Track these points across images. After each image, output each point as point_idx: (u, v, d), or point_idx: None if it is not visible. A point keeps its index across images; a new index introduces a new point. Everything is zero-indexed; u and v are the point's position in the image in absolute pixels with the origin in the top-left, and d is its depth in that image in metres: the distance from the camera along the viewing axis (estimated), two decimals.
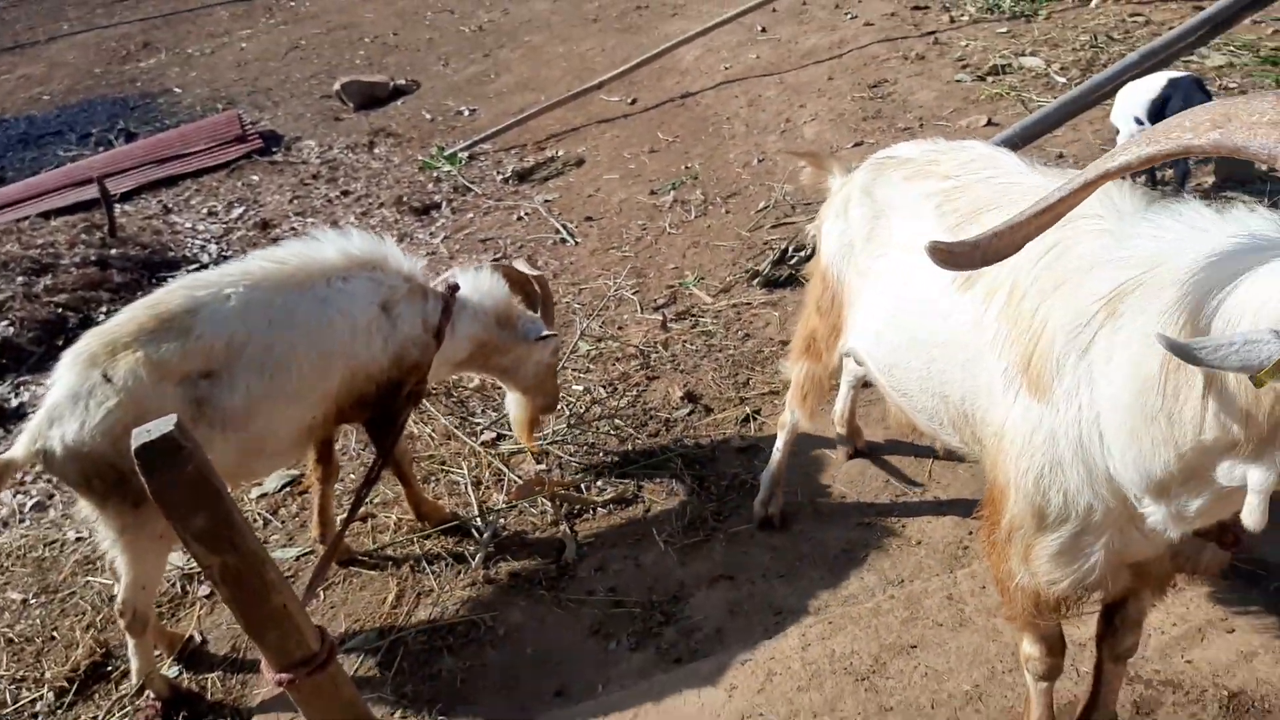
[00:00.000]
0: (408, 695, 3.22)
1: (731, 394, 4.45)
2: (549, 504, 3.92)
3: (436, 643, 3.39)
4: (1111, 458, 1.86)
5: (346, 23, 12.96)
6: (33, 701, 3.36)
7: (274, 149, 8.75)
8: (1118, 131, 5.23)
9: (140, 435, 1.91)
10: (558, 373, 4.17)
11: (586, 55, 9.94)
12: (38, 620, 3.72)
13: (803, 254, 5.21)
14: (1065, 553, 2.07)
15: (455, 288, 3.47)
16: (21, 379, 5.40)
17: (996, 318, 2.13)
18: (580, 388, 4.66)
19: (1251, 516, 1.63)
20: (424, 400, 4.55)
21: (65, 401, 2.77)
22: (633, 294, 5.48)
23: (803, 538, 3.59)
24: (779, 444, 3.61)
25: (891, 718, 2.83)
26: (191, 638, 3.54)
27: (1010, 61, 7.36)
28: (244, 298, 2.96)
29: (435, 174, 7.71)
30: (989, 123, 6.38)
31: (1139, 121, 5.03)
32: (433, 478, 4.19)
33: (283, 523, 4.11)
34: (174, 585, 3.81)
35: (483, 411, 4.59)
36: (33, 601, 3.82)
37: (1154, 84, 4.99)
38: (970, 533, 3.43)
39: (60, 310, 5.76)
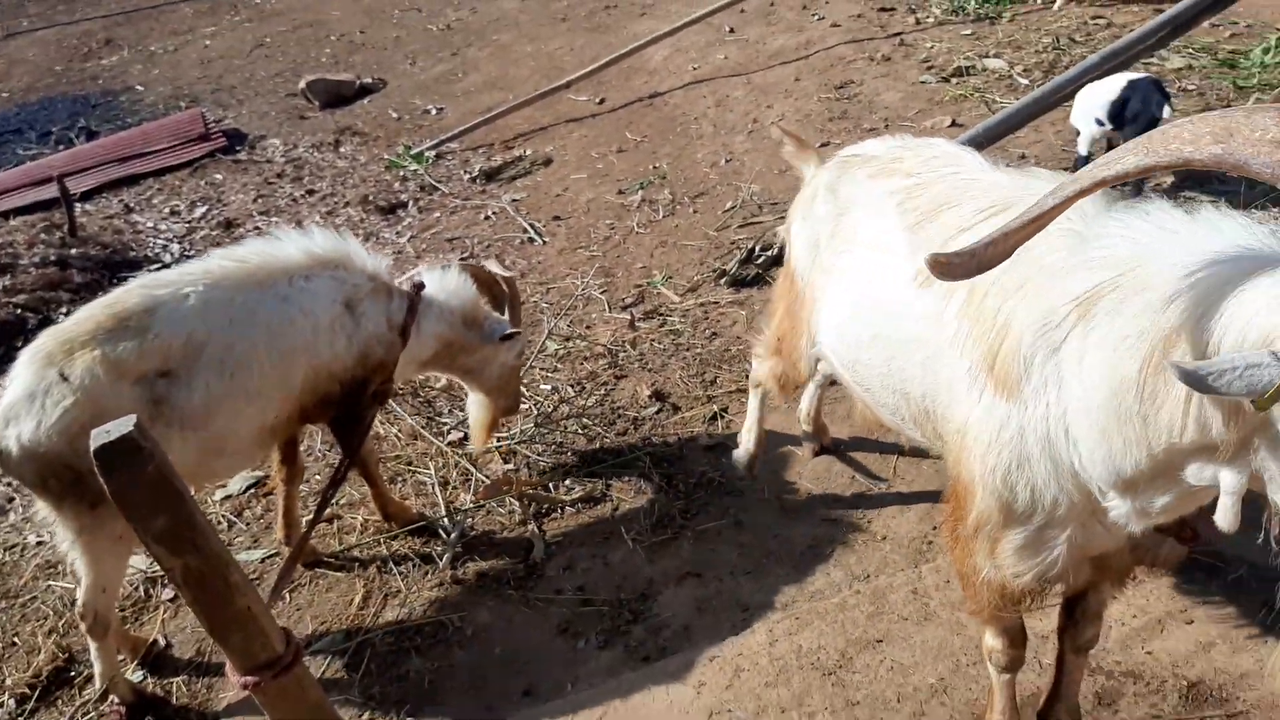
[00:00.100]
0: (375, 697, 3.20)
1: (699, 392, 4.47)
2: (517, 504, 3.91)
3: (404, 644, 3.38)
4: (1077, 454, 1.88)
5: (312, 20, 12.84)
6: None
7: (238, 147, 8.65)
8: (1078, 133, 5.31)
9: (99, 436, 1.88)
10: (521, 375, 4.15)
11: (555, 54, 9.92)
12: None
13: (770, 253, 5.24)
14: (1029, 546, 2.10)
15: (421, 286, 3.45)
16: None
17: (957, 315, 2.14)
18: (548, 387, 4.66)
19: (1225, 518, 1.65)
20: (390, 400, 4.52)
21: (21, 401, 2.72)
22: (600, 293, 5.48)
23: (769, 534, 3.61)
24: (752, 404, 3.72)
25: (858, 712, 2.85)
26: (156, 641, 3.50)
27: (974, 63, 7.45)
28: (204, 296, 2.92)
29: (402, 173, 7.66)
30: (953, 123, 6.45)
31: (1099, 122, 5.11)
32: (399, 478, 4.17)
33: (247, 525, 4.06)
34: (137, 589, 3.76)
35: (450, 411, 4.57)
36: None
37: (1114, 85, 5.06)
38: (934, 527, 3.47)
39: (19, 311, 5.65)
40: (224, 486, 4.24)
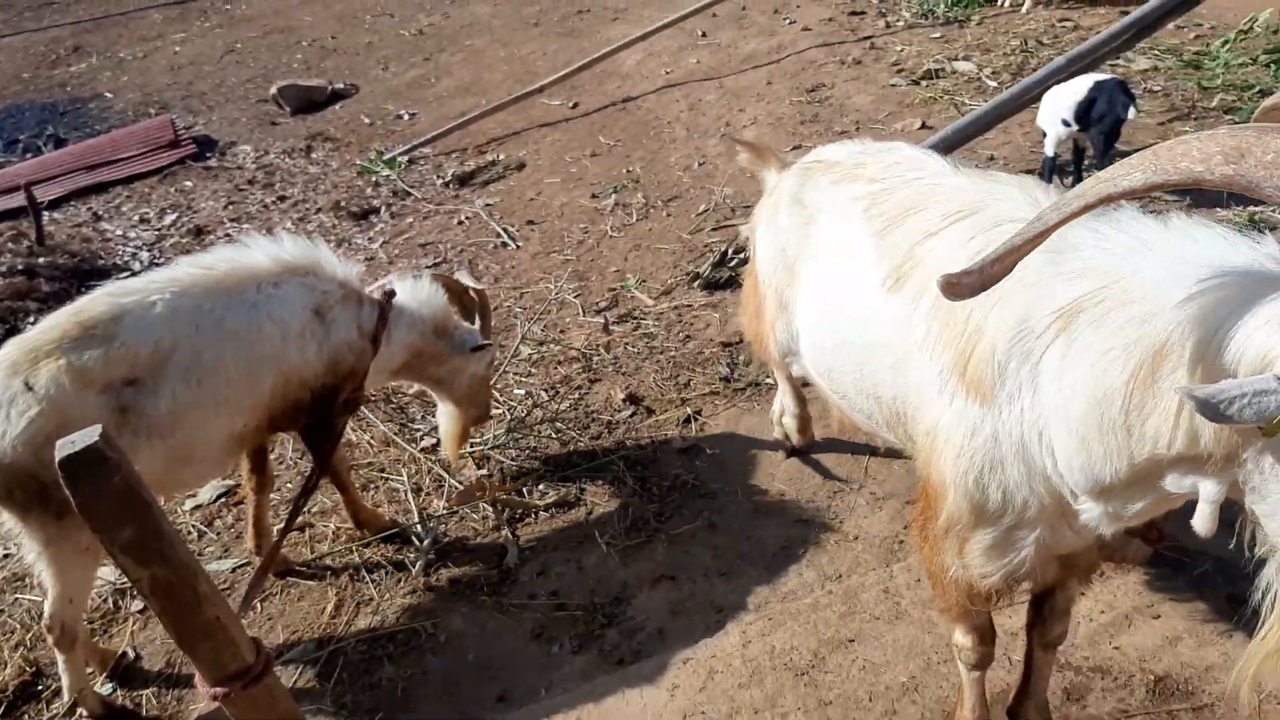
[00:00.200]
0: (347, 705, 3.18)
1: (673, 395, 4.47)
2: (490, 509, 3.90)
3: (376, 651, 3.36)
4: (1049, 459, 1.90)
5: (284, 26, 12.78)
6: None
7: (208, 154, 8.59)
8: (1045, 134, 5.36)
9: (64, 446, 1.86)
10: (492, 384, 4.14)
11: (528, 59, 9.92)
12: None
13: (742, 255, 5.26)
14: (998, 546, 2.11)
15: (392, 294, 3.44)
16: None
17: (925, 319, 2.15)
18: (522, 391, 4.65)
19: (1204, 525, 1.66)
20: (362, 407, 4.51)
21: None
22: (574, 297, 5.48)
23: (743, 536, 3.62)
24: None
25: (831, 711, 2.87)
26: (125, 654, 3.46)
27: (944, 66, 7.52)
28: (171, 304, 2.90)
29: (374, 178, 7.63)
30: (923, 126, 6.50)
31: (1066, 124, 5.17)
32: (372, 485, 4.15)
33: (218, 534, 4.03)
34: (105, 600, 3.72)
35: (422, 418, 4.55)
36: None
37: (1080, 87, 5.13)
38: (905, 527, 3.49)
39: None
40: (194, 496, 4.21)
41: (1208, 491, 1.65)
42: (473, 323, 3.84)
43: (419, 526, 3.84)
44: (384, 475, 4.20)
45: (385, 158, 7.87)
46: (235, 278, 3.05)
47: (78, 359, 2.75)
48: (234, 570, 3.80)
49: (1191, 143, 1.43)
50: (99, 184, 8.08)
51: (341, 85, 10.00)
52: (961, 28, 8.41)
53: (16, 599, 3.76)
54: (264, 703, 2.31)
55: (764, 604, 3.31)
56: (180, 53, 12.25)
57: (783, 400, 3.83)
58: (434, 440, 4.36)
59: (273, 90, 9.70)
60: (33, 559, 2.90)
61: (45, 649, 3.42)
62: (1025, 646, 2.63)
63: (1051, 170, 5.39)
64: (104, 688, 3.33)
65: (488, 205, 6.95)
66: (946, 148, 5.39)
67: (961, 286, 1.62)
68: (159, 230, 7.16)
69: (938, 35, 8.27)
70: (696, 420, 4.29)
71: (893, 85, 7.39)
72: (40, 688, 3.37)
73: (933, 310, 2.14)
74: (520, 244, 6.29)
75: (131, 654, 3.47)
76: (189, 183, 8.01)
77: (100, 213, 7.58)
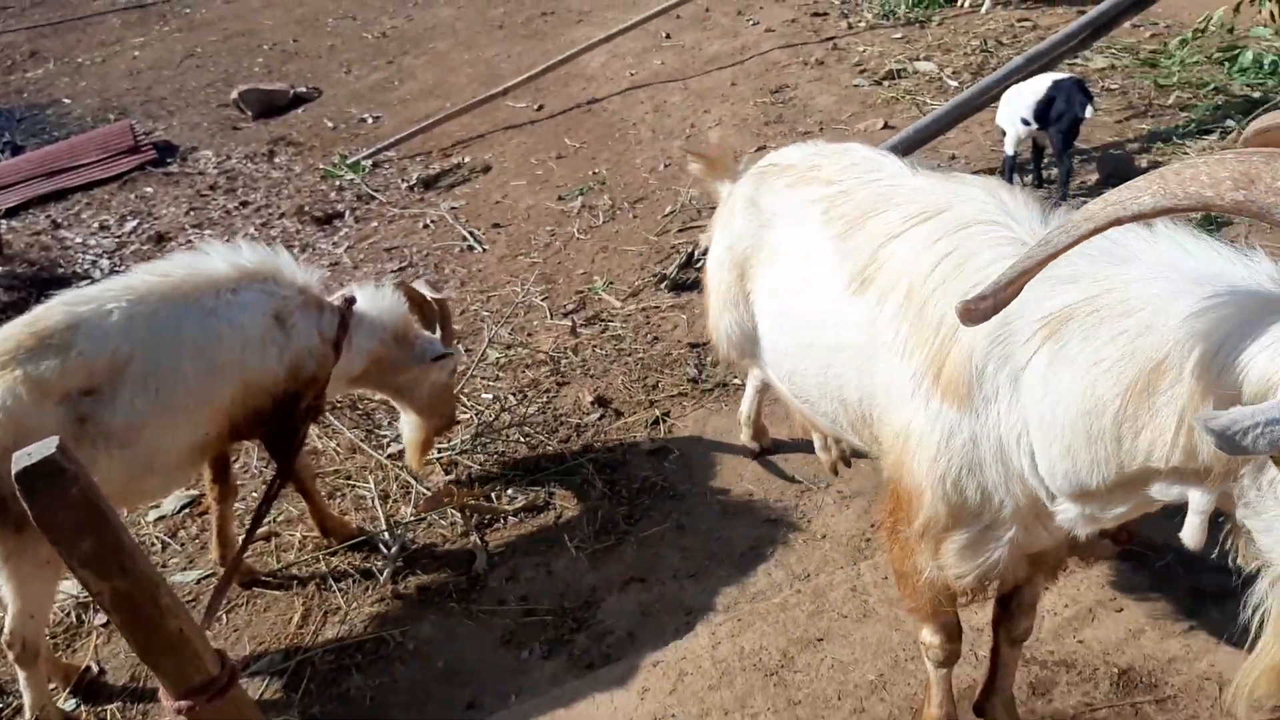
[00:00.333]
0: (315, 716, 3.15)
1: (641, 397, 4.47)
2: (458, 515, 3.88)
3: (344, 661, 3.33)
4: (1026, 461, 1.90)
5: (244, 30, 12.64)
6: None
7: (169, 160, 8.47)
8: (1004, 133, 5.42)
9: (20, 459, 1.83)
10: (455, 393, 4.11)
11: (492, 61, 9.88)
12: None
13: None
14: (972, 547, 2.11)
15: (352, 300, 3.42)
16: None
17: (893, 321, 2.14)
18: (490, 396, 4.63)
19: (1194, 537, 1.66)
20: (328, 414, 4.47)
21: None
22: (542, 300, 5.47)
23: (711, 537, 3.62)
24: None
25: (800, 711, 2.88)
26: (88, 668, 3.40)
27: (905, 66, 7.57)
28: (127, 312, 2.86)
29: (338, 182, 7.57)
30: (885, 125, 6.55)
31: (1025, 122, 5.23)
32: (338, 493, 4.11)
33: (182, 545, 3.98)
34: (68, 614, 3.66)
35: (389, 424, 4.52)
36: None
37: (1039, 86, 5.19)
38: (872, 525, 3.51)
39: None
40: (157, 507, 4.15)
41: (1197, 502, 1.65)
42: (434, 331, 3.82)
43: (386, 534, 3.81)
44: (350, 482, 4.16)
45: (349, 161, 7.80)
46: (193, 284, 3.02)
47: (34, 370, 2.70)
48: (199, 582, 3.75)
49: (1200, 167, 1.42)
50: (58, 191, 7.94)
51: (304, 89, 9.91)
52: (922, 28, 8.47)
53: None
54: (229, 716, 2.28)
55: (733, 604, 3.31)
56: (139, 57, 12.08)
57: (744, 403, 3.86)
58: (401, 447, 4.33)
59: (234, 94, 9.59)
60: None
61: (6, 665, 3.35)
62: (991, 642, 2.65)
63: (1012, 169, 5.45)
64: (67, 704, 3.27)
65: (453, 208, 6.91)
66: (909, 147, 5.44)
67: (977, 312, 1.59)
68: (119, 238, 7.06)
69: (899, 36, 8.33)
70: (665, 422, 4.29)
71: (855, 86, 7.44)
72: (1, 705, 3.31)
73: (901, 312, 2.13)
74: (486, 247, 6.26)
75: (95, 669, 3.42)
76: (149, 189, 7.90)
77: (59, 220, 7.45)
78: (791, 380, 2.66)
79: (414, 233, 6.64)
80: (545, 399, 4.58)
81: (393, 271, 6.07)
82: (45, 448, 1.84)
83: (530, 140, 7.90)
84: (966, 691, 2.80)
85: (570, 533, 3.74)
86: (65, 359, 2.75)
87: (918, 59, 7.69)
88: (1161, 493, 1.73)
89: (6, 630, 2.92)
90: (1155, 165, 5.57)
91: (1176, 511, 1.73)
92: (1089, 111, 4.99)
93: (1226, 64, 6.75)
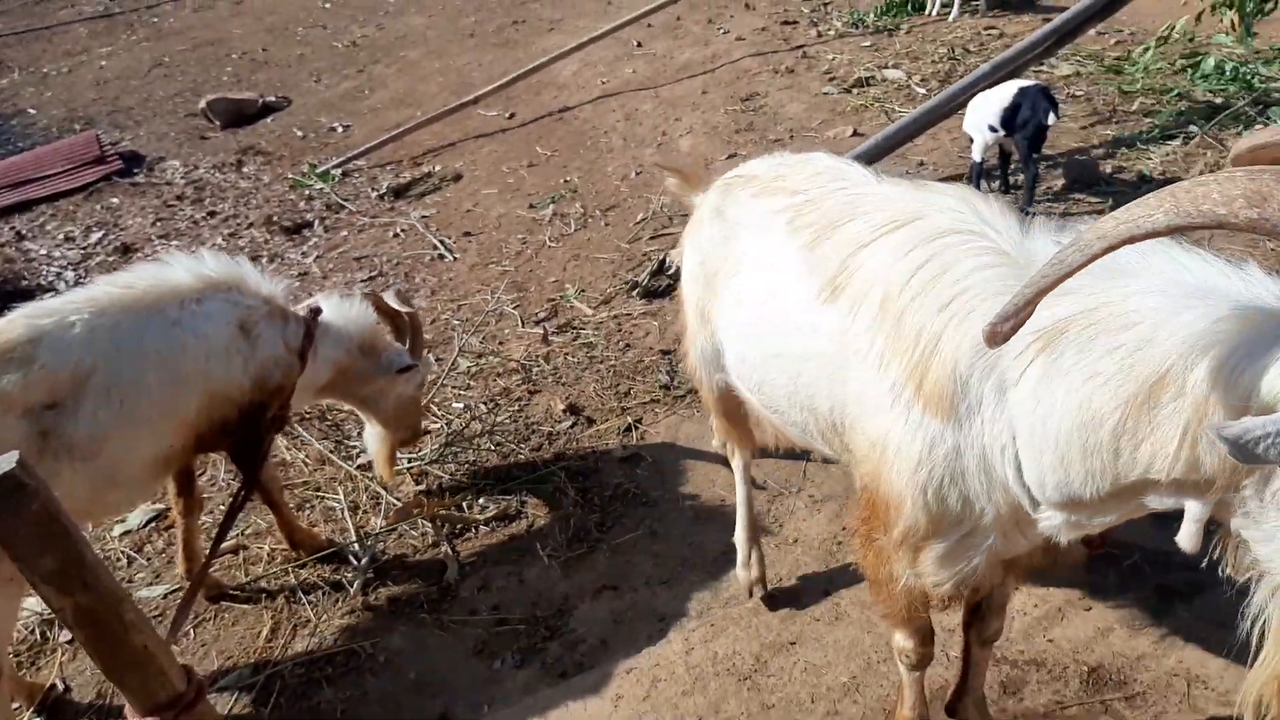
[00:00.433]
0: None
1: (613, 404, 4.47)
2: (429, 525, 3.85)
3: (315, 674, 3.29)
4: (1010, 470, 1.89)
5: (213, 39, 12.55)
6: None
7: (135, 170, 8.39)
8: (971, 140, 5.47)
9: None
10: (422, 405, 4.07)
11: (463, 70, 9.87)
12: None
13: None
14: (950, 555, 2.10)
15: (318, 311, 3.39)
16: None
17: (868, 331, 2.12)
18: (460, 405, 4.61)
19: (1191, 544, 1.66)
20: (296, 425, 4.43)
21: None
22: (513, 308, 5.45)
23: (684, 543, 3.62)
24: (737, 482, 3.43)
25: (774, 714, 2.88)
26: (54, 686, 3.34)
27: (874, 74, 7.64)
28: (89, 324, 2.82)
29: (307, 192, 7.52)
30: (855, 133, 6.59)
31: (992, 129, 5.28)
32: (307, 504, 4.07)
33: (148, 560, 3.92)
34: (32, 631, 3.59)
35: (358, 435, 4.47)
36: None
37: (1005, 93, 5.24)
38: (844, 529, 3.52)
39: None
40: (123, 521, 4.09)
41: (1194, 511, 1.65)
42: (403, 343, 3.79)
43: (356, 545, 3.78)
44: (320, 494, 4.12)
45: (319, 171, 7.76)
46: (155, 295, 2.98)
47: None
48: (165, 596, 3.70)
49: (1211, 185, 1.42)
50: (22, 202, 7.84)
51: (273, 98, 9.85)
52: (891, 36, 8.55)
53: None
54: None
55: (706, 610, 3.31)
56: (106, 67, 11.96)
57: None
58: (370, 458, 4.30)
59: (202, 104, 9.51)
60: None
61: None
62: (962, 643, 2.66)
63: (979, 175, 5.50)
64: None
65: (424, 217, 6.89)
66: (878, 154, 5.49)
67: (1001, 334, 1.58)
68: (85, 249, 6.97)
69: (868, 44, 8.40)
70: (637, 429, 4.28)
71: (825, 93, 7.49)
72: None
73: (875, 323, 2.10)
74: (457, 256, 6.24)
75: (60, 686, 3.35)
76: (116, 200, 7.81)
77: (24, 231, 7.36)
78: (761, 391, 2.64)
79: (384, 242, 6.60)
80: (517, 407, 4.56)
81: (363, 281, 6.03)
82: (5, 463, 1.81)
83: (501, 148, 7.89)
84: (938, 692, 2.81)
85: (542, 541, 3.72)
86: (27, 372, 2.71)
87: (886, 67, 7.76)
88: (1158, 502, 1.73)
89: None
90: (1120, 170, 5.68)
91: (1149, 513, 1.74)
92: (1053, 119, 5.05)
93: (1189, 70, 6.86)
